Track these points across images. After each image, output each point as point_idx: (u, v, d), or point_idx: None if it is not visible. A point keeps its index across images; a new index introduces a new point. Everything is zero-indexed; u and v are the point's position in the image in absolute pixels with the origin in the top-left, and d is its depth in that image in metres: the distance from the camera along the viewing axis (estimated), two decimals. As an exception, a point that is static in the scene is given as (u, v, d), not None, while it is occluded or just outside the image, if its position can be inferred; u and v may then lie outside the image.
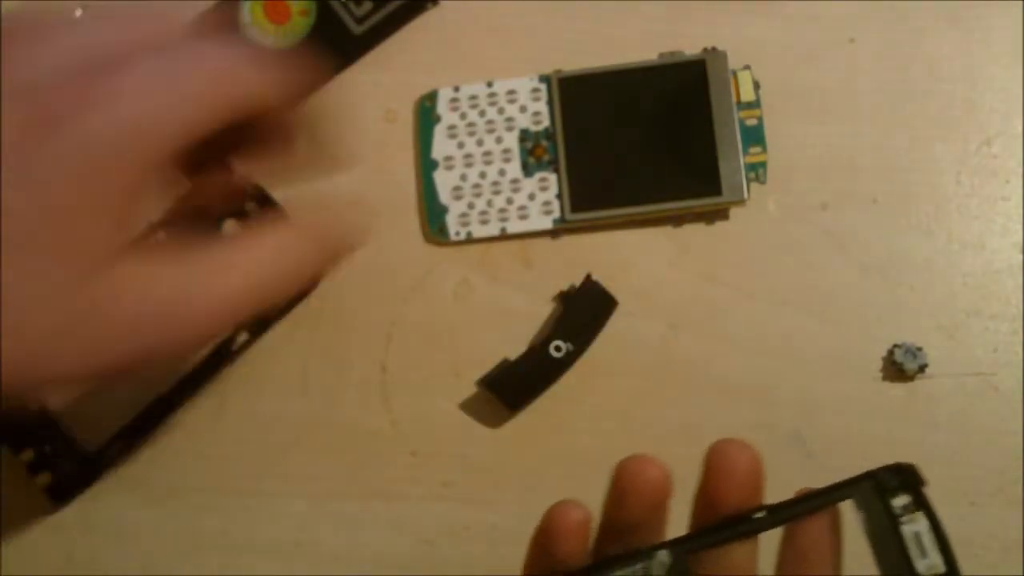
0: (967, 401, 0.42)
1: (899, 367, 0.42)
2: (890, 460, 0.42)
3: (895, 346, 0.43)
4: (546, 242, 0.44)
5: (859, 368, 0.43)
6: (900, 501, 0.28)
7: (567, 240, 0.44)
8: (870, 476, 0.29)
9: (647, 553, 0.29)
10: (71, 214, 0.27)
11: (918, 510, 0.28)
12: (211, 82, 0.29)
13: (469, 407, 0.43)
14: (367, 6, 0.46)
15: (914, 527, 0.28)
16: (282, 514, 0.42)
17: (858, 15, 0.46)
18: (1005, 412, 0.42)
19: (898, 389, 0.43)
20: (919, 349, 0.42)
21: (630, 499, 0.30)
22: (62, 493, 0.41)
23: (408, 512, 0.42)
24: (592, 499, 0.42)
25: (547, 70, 0.45)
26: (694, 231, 0.44)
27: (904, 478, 0.28)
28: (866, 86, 0.46)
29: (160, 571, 0.41)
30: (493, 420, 0.43)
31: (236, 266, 0.30)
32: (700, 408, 0.43)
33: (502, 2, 0.47)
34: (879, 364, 0.43)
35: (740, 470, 0.29)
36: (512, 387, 0.42)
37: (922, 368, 0.42)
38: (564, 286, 0.43)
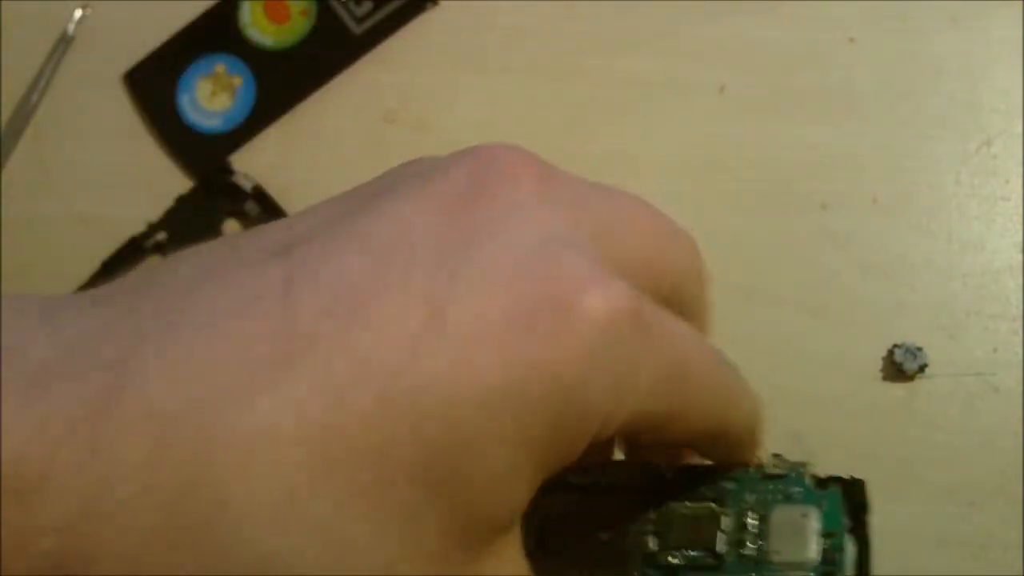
0: (967, 401, 0.42)
1: (899, 367, 0.42)
2: (890, 460, 0.42)
3: (895, 346, 0.43)
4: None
5: (859, 368, 0.43)
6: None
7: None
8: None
9: None
10: (479, 445, 0.16)
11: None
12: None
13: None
14: (367, 6, 0.46)
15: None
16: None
17: (858, 15, 0.46)
18: (1005, 412, 0.42)
19: (898, 389, 0.43)
20: (919, 349, 0.42)
21: None
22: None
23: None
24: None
25: (546, 70, 0.45)
26: (694, 231, 0.44)
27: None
28: (866, 86, 0.45)
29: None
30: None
31: None
32: (700, 408, 0.42)
33: (502, 2, 0.46)
34: (879, 364, 0.43)
35: None
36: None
37: (922, 368, 0.42)
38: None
